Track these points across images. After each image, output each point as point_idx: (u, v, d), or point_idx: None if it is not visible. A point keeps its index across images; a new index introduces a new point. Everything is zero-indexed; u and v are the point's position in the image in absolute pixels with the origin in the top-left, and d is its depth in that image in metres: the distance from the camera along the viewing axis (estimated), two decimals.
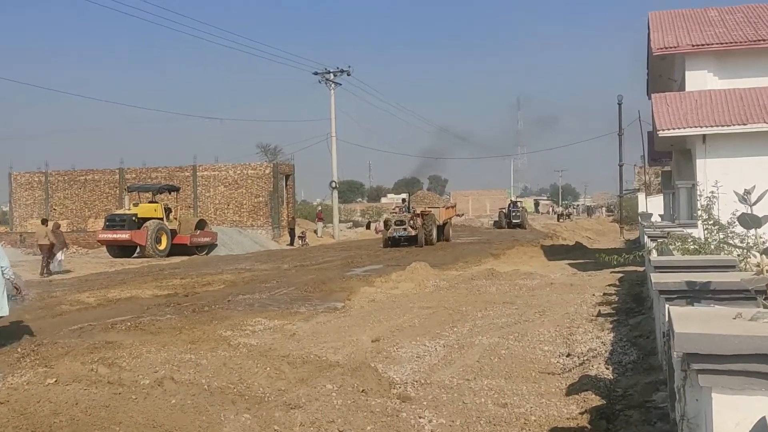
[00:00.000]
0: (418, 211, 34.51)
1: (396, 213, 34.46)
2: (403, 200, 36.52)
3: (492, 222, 58.51)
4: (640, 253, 12.54)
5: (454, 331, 10.36)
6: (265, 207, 42.63)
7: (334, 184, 45.97)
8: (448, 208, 39.74)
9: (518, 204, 56.61)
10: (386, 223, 33.84)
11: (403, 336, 10.09)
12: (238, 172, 43.12)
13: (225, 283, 18.18)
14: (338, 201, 50.01)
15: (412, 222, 32.69)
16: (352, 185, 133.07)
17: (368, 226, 49.79)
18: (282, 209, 43.54)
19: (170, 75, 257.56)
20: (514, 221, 52.26)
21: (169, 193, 36.42)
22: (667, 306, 4.47)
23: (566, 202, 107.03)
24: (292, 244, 40.02)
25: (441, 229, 36.52)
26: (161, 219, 31.28)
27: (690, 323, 3.00)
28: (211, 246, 34.01)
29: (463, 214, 63.38)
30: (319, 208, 49.92)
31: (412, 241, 32.88)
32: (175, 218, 32.64)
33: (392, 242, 32.89)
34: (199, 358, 8.71)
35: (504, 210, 54.15)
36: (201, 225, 33.84)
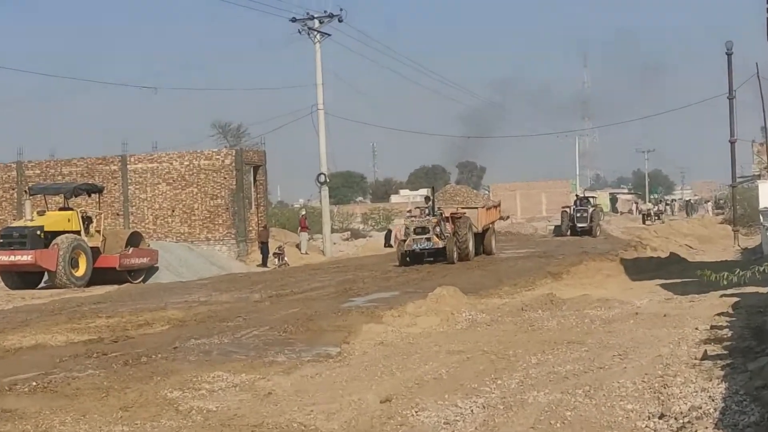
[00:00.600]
0: (448, 214, 34.58)
1: (416, 217, 34.52)
2: (427, 199, 36.48)
3: (551, 227, 58.34)
4: (763, 268, 12.51)
5: (498, 384, 10.33)
6: (225, 212, 42.72)
7: (323, 178, 46.02)
8: (489, 208, 39.55)
9: (587, 200, 56.17)
10: (387, 236, 33.80)
11: (426, 393, 10.07)
12: (187, 163, 43.24)
13: (170, 322, 18.15)
14: (330, 202, 50.00)
15: (438, 229, 32.79)
16: (349, 179, 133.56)
17: (388, 238, 49.19)
18: (250, 215, 43.62)
19: (81, 23, 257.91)
20: (579, 226, 51.88)
21: (89, 196, 36.48)
22: None
23: (656, 195, 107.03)
24: (264, 264, 40.05)
25: (480, 237, 36.50)
26: (77, 233, 31.34)
27: None
28: (150, 269, 34.04)
29: (509, 217, 63.32)
30: (303, 213, 49.81)
31: (439, 255, 32.99)
32: (98, 231, 32.68)
33: (411, 258, 32.99)
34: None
35: (568, 209, 53.74)
36: (134, 240, 33.82)
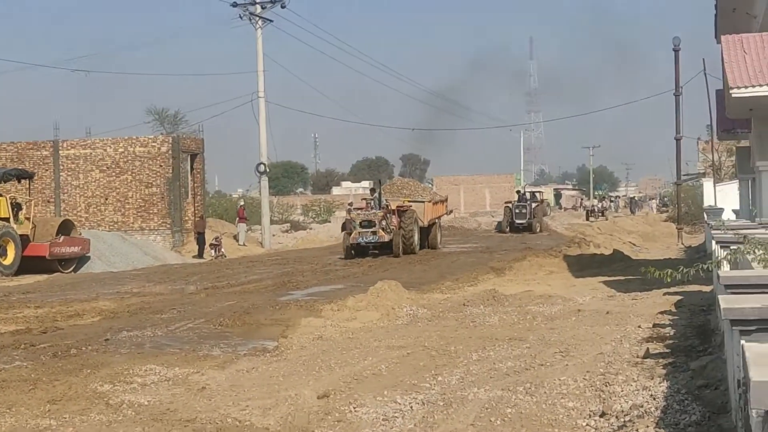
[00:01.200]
0: (394, 207, 34.80)
1: (362, 210, 34.65)
2: (372, 191, 36.70)
3: (495, 222, 58.57)
4: (707, 266, 12.68)
5: (438, 381, 10.38)
6: (161, 201, 42.38)
7: (263, 168, 45.81)
8: (436, 203, 39.72)
9: (530, 195, 56.07)
10: (345, 225, 33.88)
11: (364, 389, 10.09)
12: (121, 149, 42.80)
13: (101, 313, 18.02)
14: (270, 192, 49.78)
15: (384, 222, 33.03)
16: (289, 169, 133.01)
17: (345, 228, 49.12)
18: (186, 204, 43.30)
19: (12, 5, 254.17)
20: (518, 222, 51.59)
21: (18, 182, 35.94)
22: (742, 342, 4.53)
23: (601, 192, 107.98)
24: (200, 255, 39.80)
25: (425, 232, 36.72)
26: (6, 220, 30.92)
27: None
28: (81, 259, 33.72)
29: (452, 211, 63.49)
30: (242, 203, 49.57)
31: (384, 248, 33.27)
32: (28, 218, 32.28)
33: (357, 251, 33.24)
34: (63, 426, 8.63)
35: (510, 204, 53.80)
36: (66, 228, 33.50)
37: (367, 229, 32.87)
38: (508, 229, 50.86)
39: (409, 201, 36.61)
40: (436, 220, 38.86)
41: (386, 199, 35.49)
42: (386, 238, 32.81)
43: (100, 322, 16.83)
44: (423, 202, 37.55)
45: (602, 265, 27.63)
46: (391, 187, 39.28)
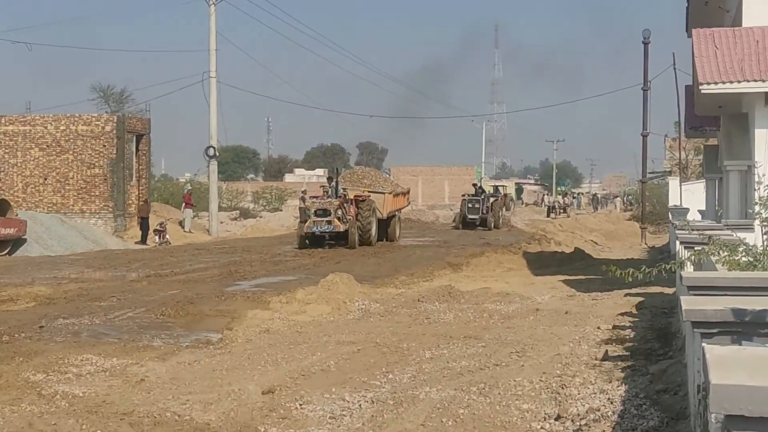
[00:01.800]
0: (352, 197, 34.88)
1: (317, 198, 34.69)
2: (330, 179, 36.68)
3: (454, 216, 58.42)
4: (670, 267, 12.79)
5: (389, 379, 10.40)
6: (103, 183, 42.05)
7: (212, 152, 45.61)
8: (397, 195, 39.66)
9: (492, 189, 55.87)
10: (303, 212, 33.88)
11: (312, 385, 10.09)
12: (63, 127, 42.39)
13: (37, 299, 17.89)
14: (219, 178, 49.57)
15: (340, 212, 33.07)
16: (240, 154, 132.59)
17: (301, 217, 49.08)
18: (130, 188, 43.02)
19: None
20: (470, 217, 50.69)
21: None
22: (703, 345, 4.58)
23: (563, 188, 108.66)
24: (144, 241, 39.56)
25: (384, 224, 36.85)
26: None
27: (735, 371, 3.07)
28: (17, 241, 33.43)
29: (409, 203, 63.52)
30: (189, 188, 49.29)
31: (340, 239, 33.32)
32: None
33: (311, 240, 33.27)
34: None
35: (466, 197, 52.88)
36: (1, 209, 33.23)
37: (322, 218, 32.86)
38: (460, 225, 49.66)
39: (368, 191, 36.66)
40: (396, 213, 38.86)
41: (344, 188, 35.49)
42: (341, 228, 32.80)
43: (35, 308, 16.72)
44: (383, 193, 37.52)
45: (563, 264, 27.77)
46: (351, 176, 39.26)
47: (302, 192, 50.04)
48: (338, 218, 32.86)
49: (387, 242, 36.55)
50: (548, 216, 70.42)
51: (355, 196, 35.12)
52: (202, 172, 79.36)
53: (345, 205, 33.60)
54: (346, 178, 38.20)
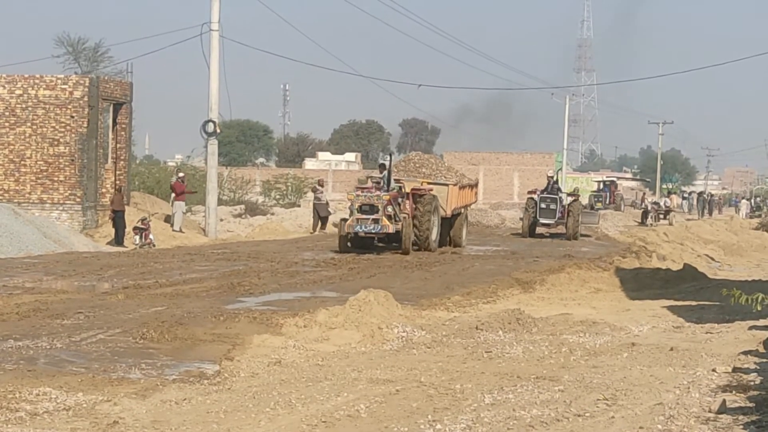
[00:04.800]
0: (408, 189, 35.47)
1: (365, 191, 35.22)
2: (382, 167, 37.08)
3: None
4: None
5: (437, 430, 10.38)
6: (70, 166, 42.21)
7: (212, 127, 45.68)
8: (464, 187, 40.16)
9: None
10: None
11: None
12: (19, 92, 42.61)
13: None
14: (220, 162, 49.60)
15: (390, 209, 33.66)
16: (248, 131, 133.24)
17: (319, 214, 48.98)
18: (105, 172, 43.21)
19: None
20: (543, 222, 49.97)
21: None
22: None
23: (671, 184, 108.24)
24: (120, 242, 39.70)
25: (448, 224, 37.44)
26: None
27: None
28: None
29: (477, 199, 63.46)
30: (180, 175, 49.28)
31: (393, 241, 34.10)
32: None
33: (356, 243, 34.14)
34: None
35: (534, 196, 51.97)
36: None
37: (368, 216, 33.52)
38: (528, 232, 48.98)
39: (428, 183, 36.97)
40: (462, 210, 39.41)
41: (399, 180, 35.86)
42: (391, 228, 33.48)
43: None
44: (447, 185, 38.01)
45: (667, 285, 27.62)
46: (406, 164, 39.63)
47: (318, 184, 50.11)
48: (388, 216, 33.44)
49: (452, 248, 37.18)
50: (643, 222, 69.61)
51: (412, 189, 35.70)
52: (198, 154, 79.84)
53: (399, 200, 34.31)
54: (399, 167, 38.60)
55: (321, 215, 47.93)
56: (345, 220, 34.48)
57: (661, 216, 73.02)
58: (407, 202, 34.79)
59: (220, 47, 45.60)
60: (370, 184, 36.39)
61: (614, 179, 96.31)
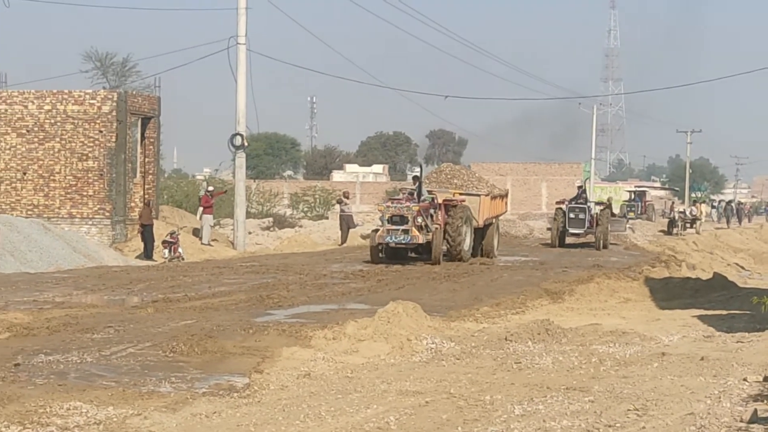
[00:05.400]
0: (440, 200, 35.88)
1: (395, 203, 35.64)
2: (415, 179, 37.54)
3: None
4: None
5: None
6: (98, 180, 42.32)
7: (239, 141, 45.76)
8: (495, 198, 40.51)
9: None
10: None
11: None
12: (48, 107, 42.77)
13: (11, 329, 17.97)
14: (248, 175, 49.70)
15: (420, 219, 34.02)
16: (276, 144, 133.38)
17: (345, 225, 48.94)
18: (134, 186, 43.31)
19: None
20: (572, 232, 49.70)
21: None
22: None
23: (700, 193, 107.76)
24: (149, 256, 39.76)
25: (479, 234, 37.76)
26: None
27: None
28: None
29: (507, 209, 63.49)
30: (209, 189, 49.34)
31: (425, 252, 34.56)
32: None
33: (388, 254, 34.68)
34: None
35: (563, 206, 51.72)
36: None
37: (398, 227, 33.91)
38: (557, 242, 48.80)
39: (460, 193, 37.33)
40: (494, 220, 39.68)
41: (431, 191, 36.53)
42: (421, 239, 33.79)
43: (9, 341, 16.81)
44: (479, 195, 38.25)
45: (697, 294, 27.55)
46: (437, 176, 40.08)
47: (343, 196, 50.20)
48: (418, 227, 33.75)
49: (483, 259, 37.36)
50: (669, 231, 69.07)
51: (444, 200, 36.06)
52: (226, 168, 79.96)
53: (432, 210, 34.73)
54: (431, 178, 39.04)
55: (348, 227, 47.98)
56: (376, 230, 34.86)
57: (688, 225, 72.52)
58: (440, 212, 35.12)
59: (247, 61, 45.75)
60: (401, 195, 36.63)
61: (645, 189, 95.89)
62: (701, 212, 78.86)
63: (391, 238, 33.99)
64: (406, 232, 33.73)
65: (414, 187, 36.14)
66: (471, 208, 36.48)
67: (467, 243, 35.67)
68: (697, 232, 68.50)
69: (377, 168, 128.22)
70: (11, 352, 15.29)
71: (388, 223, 34.13)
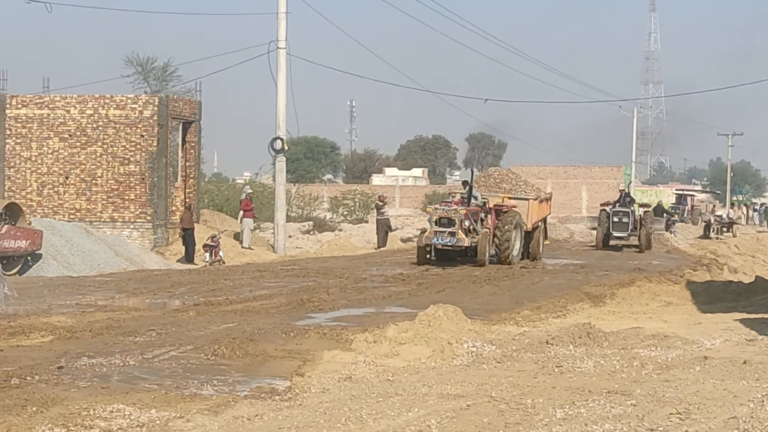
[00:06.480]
0: (491, 205, 36.47)
1: (441, 205, 36.27)
2: (465, 183, 38.21)
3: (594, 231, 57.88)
4: None
5: None
6: (140, 184, 42.51)
7: (279, 145, 45.84)
8: (542, 201, 41.11)
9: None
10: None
11: None
12: (90, 111, 42.99)
13: (55, 332, 18.06)
14: (288, 179, 49.77)
15: (467, 223, 34.47)
16: (315, 148, 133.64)
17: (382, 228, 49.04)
18: (175, 190, 43.46)
19: None
20: (616, 235, 49.97)
21: None
22: None
23: (741, 196, 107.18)
24: (190, 259, 39.88)
25: (527, 238, 38.10)
26: None
27: None
28: (30, 257, 33.89)
29: (551, 212, 63.64)
30: (249, 192, 49.53)
31: (472, 254, 34.92)
32: None
33: (437, 255, 35.14)
34: None
35: (607, 209, 51.91)
36: (11, 215, 33.72)
37: (445, 229, 34.29)
38: (601, 245, 49.20)
39: (510, 198, 37.79)
40: (540, 224, 39.91)
41: (483, 195, 37.12)
42: (466, 242, 34.17)
43: (53, 343, 16.86)
44: (527, 199, 38.81)
45: (740, 297, 27.41)
46: (486, 180, 40.55)
47: (380, 200, 50.30)
48: (464, 230, 34.16)
49: (530, 262, 37.71)
50: (706, 235, 68.50)
51: (495, 205, 36.55)
52: (266, 171, 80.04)
53: (482, 215, 35.29)
54: (480, 183, 39.37)
55: (385, 230, 48.05)
56: (423, 231, 35.37)
57: (724, 229, 71.78)
58: (490, 217, 35.59)
59: (287, 65, 45.86)
60: (452, 198, 37.26)
61: (693, 192, 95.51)
62: (739, 215, 78.19)
63: (437, 240, 34.37)
64: (452, 234, 34.09)
65: (465, 191, 36.65)
66: (521, 212, 36.88)
67: (516, 248, 36.03)
68: (734, 236, 67.92)
69: (417, 172, 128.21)
70: (55, 355, 15.35)
71: (436, 225, 34.48)
